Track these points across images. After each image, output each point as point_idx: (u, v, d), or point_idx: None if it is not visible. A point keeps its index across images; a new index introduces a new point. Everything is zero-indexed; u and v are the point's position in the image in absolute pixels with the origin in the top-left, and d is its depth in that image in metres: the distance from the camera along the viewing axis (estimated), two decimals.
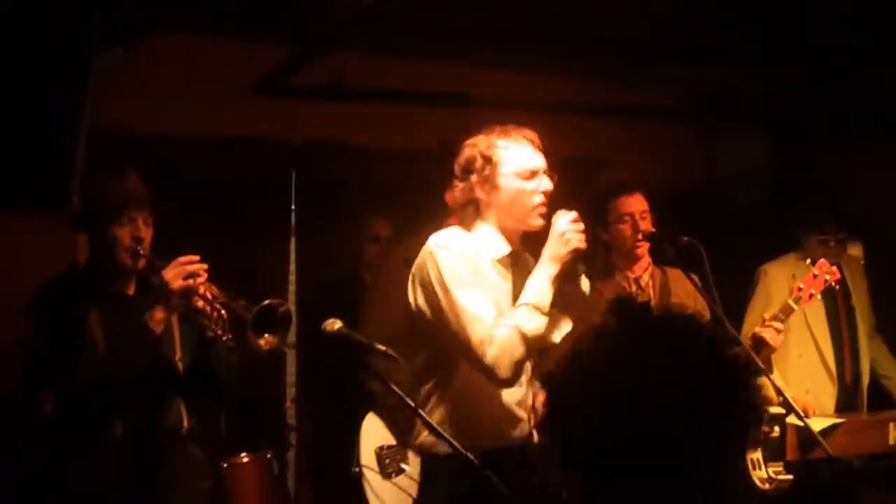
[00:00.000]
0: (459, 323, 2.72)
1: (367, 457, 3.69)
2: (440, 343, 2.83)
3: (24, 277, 3.22)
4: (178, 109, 4.44)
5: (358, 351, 2.71)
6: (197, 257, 3.02)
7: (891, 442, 3.92)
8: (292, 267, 4.90)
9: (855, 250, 5.19)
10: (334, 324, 2.75)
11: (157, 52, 3.62)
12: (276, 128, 4.74)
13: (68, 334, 2.98)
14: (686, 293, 4.02)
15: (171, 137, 4.45)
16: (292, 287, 4.98)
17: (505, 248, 2.87)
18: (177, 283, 2.97)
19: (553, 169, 2.88)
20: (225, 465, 3.83)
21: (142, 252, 3.08)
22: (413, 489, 3.54)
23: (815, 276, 3.91)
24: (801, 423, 3.43)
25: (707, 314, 4.06)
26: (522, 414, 2.90)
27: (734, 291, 4.58)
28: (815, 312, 4.28)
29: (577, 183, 5.43)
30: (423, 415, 2.71)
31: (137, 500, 3.03)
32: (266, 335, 3.03)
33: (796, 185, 5.44)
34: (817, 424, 3.66)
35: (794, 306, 3.83)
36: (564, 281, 2.81)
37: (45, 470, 3.09)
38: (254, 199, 4.73)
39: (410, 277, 2.88)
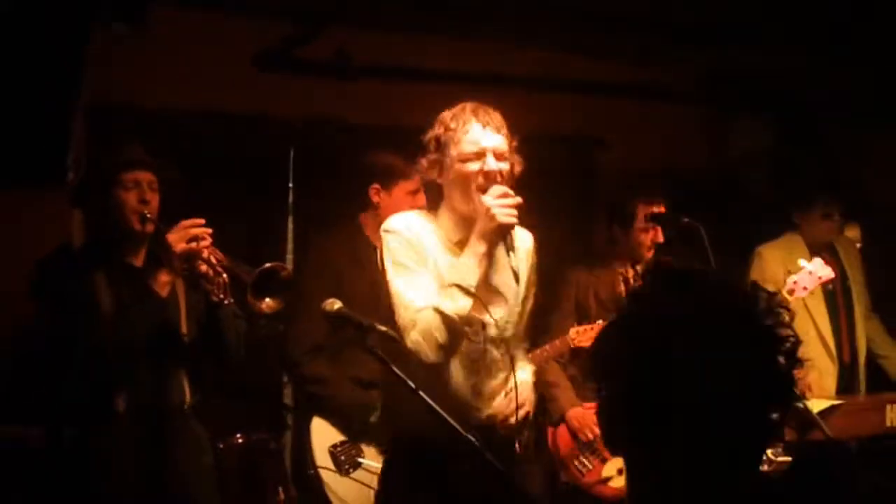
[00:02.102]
0: (394, 307, 2.75)
1: (322, 457, 3.69)
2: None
3: (21, 257, 3.18)
4: (179, 84, 4.37)
5: (356, 331, 2.67)
6: (201, 220, 2.99)
7: (888, 424, 3.93)
8: (290, 246, 4.86)
9: (852, 232, 5.19)
10: (333, 304, 2.70)
11: (159, 27, 3.56)
12: (277, 104, 4.68)
13: (76, 303, 2.95)
14: None
15: (172, 112, 4.39)
16: (289, 266, 4.94)
17: (459, 232, 2.83)
18: (180, 246, 2.94)
19: (517, 151, 2.81)
20: (221, 445, 3.82)
21: (149, 216, 3.04)
22: (373, 481, 3.53)
23: (809, 273, 3.88)
24: (800, 405, 3.43)
25: None
26: (477, 402, 2.85)
27: (741, 273, 4.58)
28: (813, 294, 4.28)
29: (580, 162, 5.44)
30: (424, 396, 2.67)
31: (143, 477, 3.02)
32: (267, 299, 3.01)
33: (800, 163, 5.43)
34: (816, 406, 3.66)
35: (788, 297, 3.81)
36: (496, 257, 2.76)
37: (50, 446, 3.08)
38: (253, 177, 4.68)
39: None
